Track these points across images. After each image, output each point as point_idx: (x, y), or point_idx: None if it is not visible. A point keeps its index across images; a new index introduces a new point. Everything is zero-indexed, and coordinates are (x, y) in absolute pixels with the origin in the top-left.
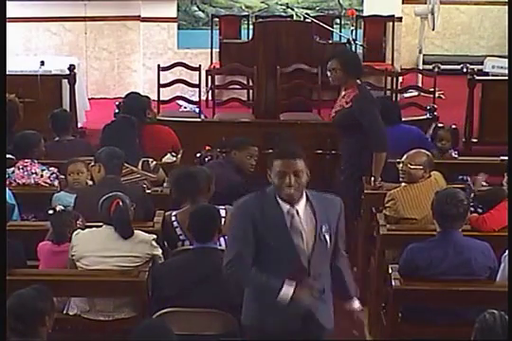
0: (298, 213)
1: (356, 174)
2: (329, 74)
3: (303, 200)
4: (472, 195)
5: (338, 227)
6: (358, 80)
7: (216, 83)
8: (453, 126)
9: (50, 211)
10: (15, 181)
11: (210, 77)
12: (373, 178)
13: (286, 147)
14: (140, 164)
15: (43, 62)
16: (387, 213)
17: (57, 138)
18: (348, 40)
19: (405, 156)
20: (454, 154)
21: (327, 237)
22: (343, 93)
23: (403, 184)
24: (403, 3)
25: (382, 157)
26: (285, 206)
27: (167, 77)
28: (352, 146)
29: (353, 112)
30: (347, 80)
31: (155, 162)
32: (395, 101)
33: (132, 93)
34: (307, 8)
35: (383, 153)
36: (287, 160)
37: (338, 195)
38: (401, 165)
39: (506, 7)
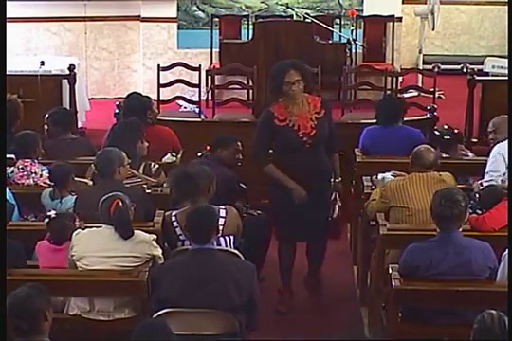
0: None
1: (329, 180)
2: (292, 87)
3: None
4: (473, 196)
5: None
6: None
7: (216, 83)
8: (445, 126)
9: (46, 220)
10: (14, 181)
11: (210, 77)
12: (339, 179)
13: None
14: (142, 167)
15: (43, 62)
16: (378, 199)
17: (62, 137)
18: (348, 40)
19: None
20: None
21: None
22: (301, 106)
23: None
24: (403, 3)
25: (338, 157)
26: None
27: (167, 77)
28: (324, 155)
29: (328, 120)
30: (303, 92)
31: (157, 166)
32: (402, 101)
33: (133, 93)
34: (307, 8)
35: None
36: None
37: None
38: None
39: (506, 7)
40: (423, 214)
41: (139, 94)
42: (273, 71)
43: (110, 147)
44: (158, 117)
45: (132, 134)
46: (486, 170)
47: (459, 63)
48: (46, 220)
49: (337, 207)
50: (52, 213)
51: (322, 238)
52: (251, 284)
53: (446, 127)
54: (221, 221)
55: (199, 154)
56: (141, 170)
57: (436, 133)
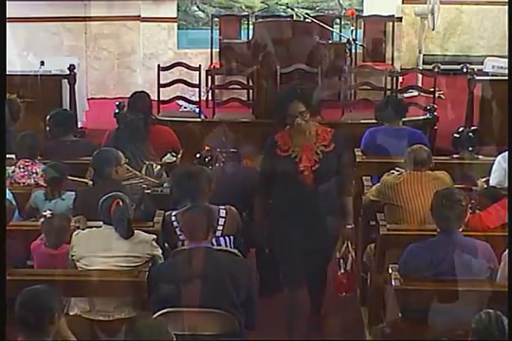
0: None
1: (337, 219)
2: (297, 120)
3: None
4: (475, 196)
5: None
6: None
7: (216, 83)
8: (455, 134)
9: (42, 219)
10: (15, 181)
11: (210, 77)
12: (351, 226)
13: None
14: (144, 168)
15: (43, 63)
16: (375, 194)
17: (63, 139)
18: (348, 40)
19: None
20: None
21: None
22: (307, 136)
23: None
24: (403, 3)
25: (351, 201)
26: None
27: (167, 77)
28: (331, 191)
29: (338, 154)
30: (311, 123)
31: (159, 167)
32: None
33: (137, 92)
34: (307, 8)
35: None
36: None
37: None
38: None
39: (506, 7)
40: (417, 213)
41: (144, 93)
42: (275, 101)
43: (122, 144)
44: (158, 117)
45: (146, 130)
46: (491, 184)
47: (459, 63)
48: (42, 220)
49: (350, 259)
50: (48, 213)
51: (321, 282)
52: (249, 282)
53: (461, 129)
54: (221, 221)
55: (198, 155)
56: (143, 171)
57: (456, 135)
